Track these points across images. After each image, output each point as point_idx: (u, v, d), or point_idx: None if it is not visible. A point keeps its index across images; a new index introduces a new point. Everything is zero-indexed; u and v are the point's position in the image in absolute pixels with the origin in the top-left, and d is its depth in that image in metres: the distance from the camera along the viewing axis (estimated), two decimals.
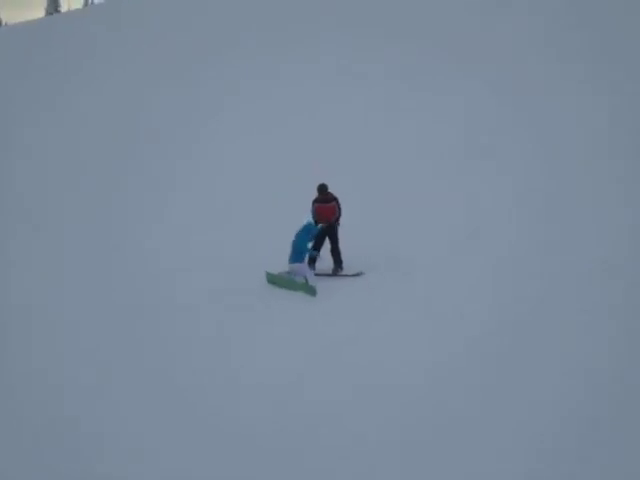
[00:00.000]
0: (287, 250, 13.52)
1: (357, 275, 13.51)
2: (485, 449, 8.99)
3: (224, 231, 15.62)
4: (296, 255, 13.30)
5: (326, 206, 13.74)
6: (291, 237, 13.43)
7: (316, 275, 13.54)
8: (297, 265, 13.27)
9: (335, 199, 13.82)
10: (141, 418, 10.24)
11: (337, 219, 13.79)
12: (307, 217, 13.77)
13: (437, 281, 12.72)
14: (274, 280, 13.50)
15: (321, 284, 13.19)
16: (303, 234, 13.41)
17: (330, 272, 13.77)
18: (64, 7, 68.05)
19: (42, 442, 9.89)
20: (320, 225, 13.66)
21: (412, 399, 10.00)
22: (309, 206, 13.91)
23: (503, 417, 9.46)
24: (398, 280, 12.95)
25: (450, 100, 19.74)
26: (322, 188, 13.83)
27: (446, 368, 10.53)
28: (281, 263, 13.74)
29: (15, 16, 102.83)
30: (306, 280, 13.26)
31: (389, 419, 9.68)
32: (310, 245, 13.53)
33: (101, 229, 16.43)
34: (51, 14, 62.51)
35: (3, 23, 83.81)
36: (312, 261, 13.80)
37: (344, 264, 13.77)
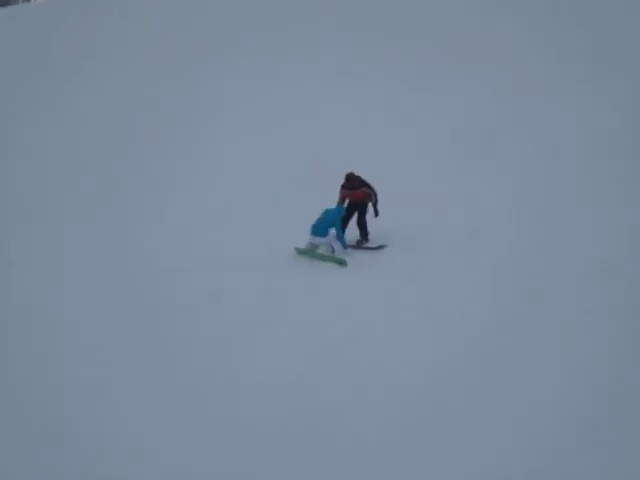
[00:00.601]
0: (286, 250, 13.51)
1: (380, 248, 13.82)
2: (485, 449, 8.99)
3: (224, 231, 15.61)
4: (319, 230, 13.56)
5: (355, 192, 13.92)
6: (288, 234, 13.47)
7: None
8: (318, 239, 13.62)
9: (365, 184, 13.93)
10: (141, 418, 10.25)
11: (375, 205, 13.92)
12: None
13: (437, 281, 12.70)
14: (303, 252, 13.88)
15: (320, 280, 13.25)
16: (334, 213, 13.63)
17: (354, 243, 14.05)
18: None
19: (42, 442, 9.89)
20: (346, 204, 13.91)
21: (412, 399, 10.01)
22: (309, 205, 13.89)
23: (503, 417, 9.47)
24: (398, 279, 12.94)
25: (450, 100, 19.73)
26: (348, 177, 13.96)
27: (446, 368, 10.53)
28: (281, 262, 13.71)
29: None
30: (333, 250, 13.66)
31: (389, 419, 9.68)
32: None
33: (101, 229, 16.42)
34: None
35: None
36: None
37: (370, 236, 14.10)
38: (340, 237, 13.74)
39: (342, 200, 14.06)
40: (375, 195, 13.96)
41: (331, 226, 13.68)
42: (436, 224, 14.54)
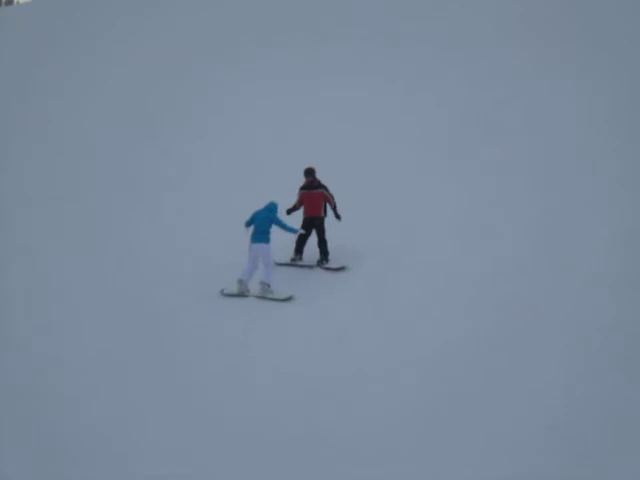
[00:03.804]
0: (286, 252, 13.42)
1: (340, 269, 13.18)
2: (485, 449, 9.01)
3: (224, 232, 15.54)
4: (260, 235, 12.70)
5: (312, 193, 13.35)
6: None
7: (300, 266, 13.31)
8: (262, 245, 12.68)
9: (323, 186, 13.39)
10: (141, 418, 10.26)
11: (334, 209, 13.33)
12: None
13: (438, 282, 12.64)
14: (231, 295, 12.89)
15: (320, 281, 13.12)
16: (265, 212, 12.87)
17: (315, 264, 13.45)
18: None
19: (42, 442, 9.89)
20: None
21: (412, 401, 10.03)
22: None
23: (503, 418, 9.48)
24: (395, 280, 12.83)
25: (449, 100, 19.49)
26: (307, 172, 13.37)
27: (445, 368, 10.55)
28: (281, 263, 13.61)
29: None
30: (269, 286, 12.53)
31: (389, 420, 9.69)
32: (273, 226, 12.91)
33: (101, 229, 16.40)
34: None
35: (16, 1, 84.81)
36: (297, 257, 13.48)
37: (330, 256, 13.50)
38: (286, 228, 12.96)
39: (300, 203, 13.48)
40: (333, 199, 13.45)
41: (270, 225, 12.81)
42: (435, 224, 14.41)
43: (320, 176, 13.91)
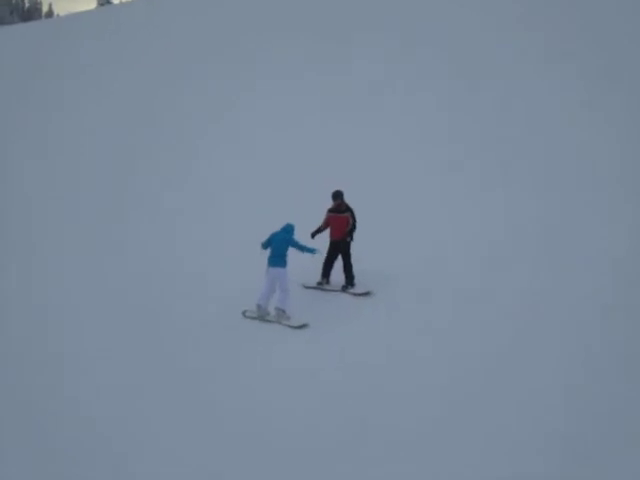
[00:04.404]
0: (312, 272, 13.32)
1: (366, 294, 12.99)
2: (485, 449, 9.01)
3: (224, 231, 15.60)
4: (277, 259, 12.49)
5: (339, 216, 13.19)
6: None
7: (325, 291, 13.11)
8: (278, 270, 12.46)
9: (349, 209, 13.24)
10: (141, 418, 10.26)
11: (350, 232, 13.15)
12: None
13: (451, 304, 12.36)
14: (251, 318, 12.70)
15: (343, 306, 12.84)
16: (282, 234, 12.67)
17: (340, 289, 13.21)
18: None
19: (42, 442, 9.89)
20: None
21: (412, 401, 10.04)
22: (304, 214, 13.68)
23: (503, 418, 9.49)
24: (416, 307, 12.48)
25: (454, 115, 19.06)
26: (335, 195, 13.26)
27: (445, 368, 10.57)
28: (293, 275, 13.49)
29: (69, 7, 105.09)
30: (284, 311, 12.39)
31: (389, 420, 9.72)
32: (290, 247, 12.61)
33: (101, 230, 16.43)
34: (102, 5, 62.92)
35: (55, 14, 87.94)
36: (323, 280, 13.31)
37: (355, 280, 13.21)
38: (303, 248, 12.67)
39: (325, 225, 13.30)
40: (354, 223, 13.18)
41: (287, 247, 12.53)
42: (439, 242, 14.06)
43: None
